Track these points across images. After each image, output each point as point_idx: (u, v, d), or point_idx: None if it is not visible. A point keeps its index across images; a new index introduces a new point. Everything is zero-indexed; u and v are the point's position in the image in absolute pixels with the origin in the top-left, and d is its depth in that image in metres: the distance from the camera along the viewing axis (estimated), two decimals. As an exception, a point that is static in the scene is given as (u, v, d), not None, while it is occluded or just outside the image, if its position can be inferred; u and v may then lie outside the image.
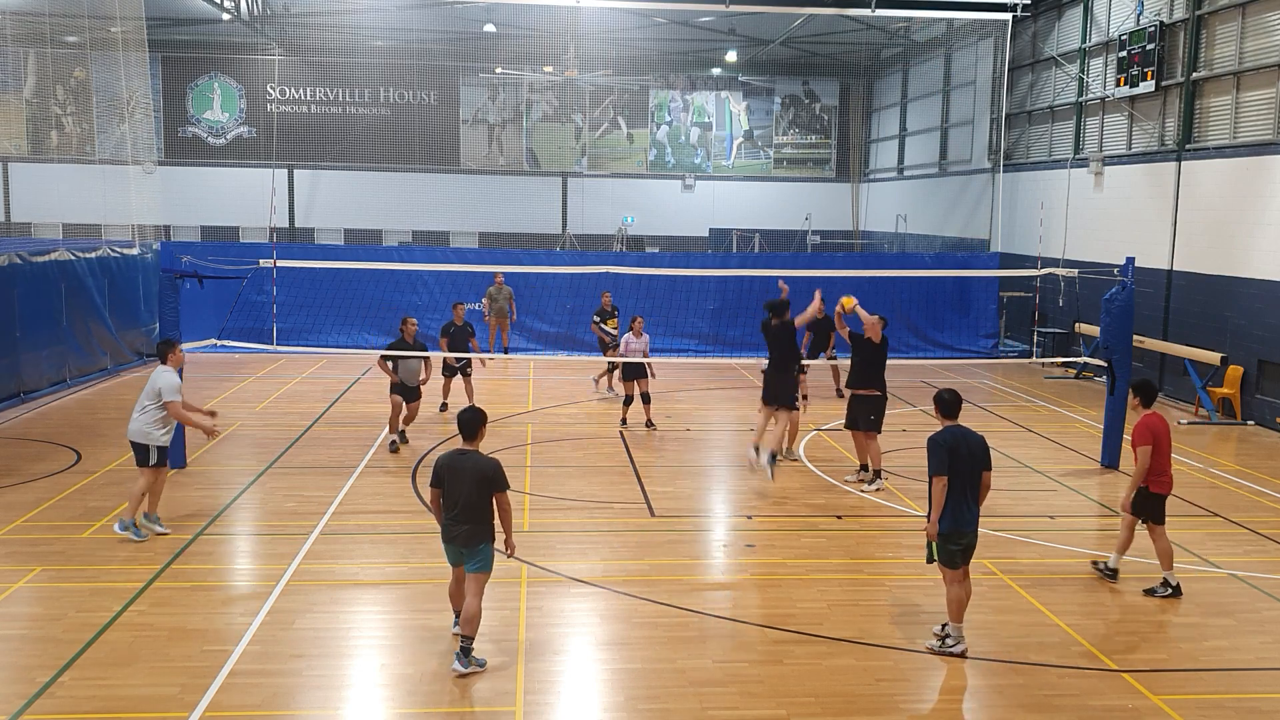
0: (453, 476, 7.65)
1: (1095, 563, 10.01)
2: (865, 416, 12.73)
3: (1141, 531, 9.56)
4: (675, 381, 19.79)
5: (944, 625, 8.23)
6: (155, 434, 10.43)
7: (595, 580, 9.52)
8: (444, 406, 16.67)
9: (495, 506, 7.68)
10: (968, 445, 8.00)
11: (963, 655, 8.05)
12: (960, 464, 7.92)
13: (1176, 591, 9.36)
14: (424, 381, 14.69)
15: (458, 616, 7.94)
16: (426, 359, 14.69)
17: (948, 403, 8.25)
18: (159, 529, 10.59)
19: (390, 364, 14.45)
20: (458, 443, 7.82)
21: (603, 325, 18.34)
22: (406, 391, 14.42)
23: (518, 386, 19.68)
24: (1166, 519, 9.51)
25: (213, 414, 11.09)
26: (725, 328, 22.91)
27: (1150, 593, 9.41)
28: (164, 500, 10.95)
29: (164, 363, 10.67)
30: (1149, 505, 9.46)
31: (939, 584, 9.24)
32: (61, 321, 18.29)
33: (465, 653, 7.65)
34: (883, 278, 23.17)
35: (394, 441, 14.30)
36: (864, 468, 12.95)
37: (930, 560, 8.18)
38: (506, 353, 22.64)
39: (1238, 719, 7.24)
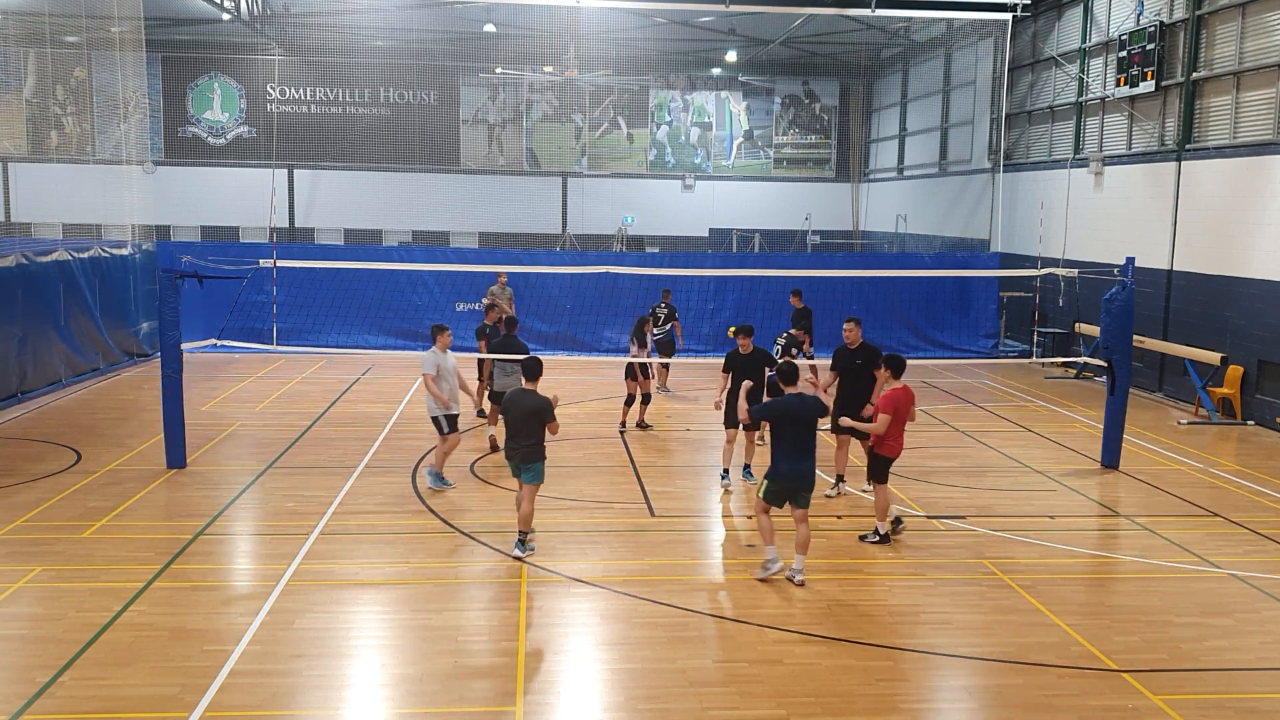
0: (515, 408, 9.89)
1: (863, 536, 10.70)
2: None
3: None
4: (675, 381, 19.81)
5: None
6: (436, 408, 12.06)
7: (595, 580, 9.52)
8: (481, 412, 15.64)
9: (545, 431, 9.82)
10: (800, 409, 9.45)
11: (796, 582, 9.28)
12: (789, 425, 9.38)
13: (885, 539, 10.58)
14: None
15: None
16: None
17: (786, 373, 9.75)
18: (444, 486, 12.26)
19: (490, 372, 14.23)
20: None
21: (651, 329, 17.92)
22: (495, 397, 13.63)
23: (518, 386, 19.64)
24: (1171, 518, 9.52)
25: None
26: (725, 327, 22.88)
27: (863, 538, 10.65)
28: (164, 500, 11.37)
29: (433, 343, 12.14)
30: (878, 466, 10.61)
31: (939, 583, 9.25)
32: (60, 321, 18.31)
33: (520, 543, 9.90)
34: (883, 278, 23.20)
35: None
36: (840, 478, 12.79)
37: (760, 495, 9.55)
38: None
39: (1238, 719, 7.24)
